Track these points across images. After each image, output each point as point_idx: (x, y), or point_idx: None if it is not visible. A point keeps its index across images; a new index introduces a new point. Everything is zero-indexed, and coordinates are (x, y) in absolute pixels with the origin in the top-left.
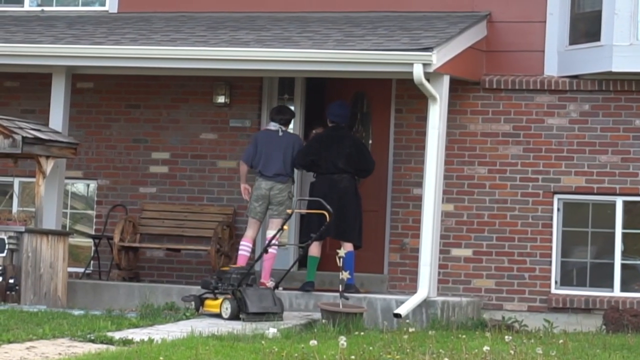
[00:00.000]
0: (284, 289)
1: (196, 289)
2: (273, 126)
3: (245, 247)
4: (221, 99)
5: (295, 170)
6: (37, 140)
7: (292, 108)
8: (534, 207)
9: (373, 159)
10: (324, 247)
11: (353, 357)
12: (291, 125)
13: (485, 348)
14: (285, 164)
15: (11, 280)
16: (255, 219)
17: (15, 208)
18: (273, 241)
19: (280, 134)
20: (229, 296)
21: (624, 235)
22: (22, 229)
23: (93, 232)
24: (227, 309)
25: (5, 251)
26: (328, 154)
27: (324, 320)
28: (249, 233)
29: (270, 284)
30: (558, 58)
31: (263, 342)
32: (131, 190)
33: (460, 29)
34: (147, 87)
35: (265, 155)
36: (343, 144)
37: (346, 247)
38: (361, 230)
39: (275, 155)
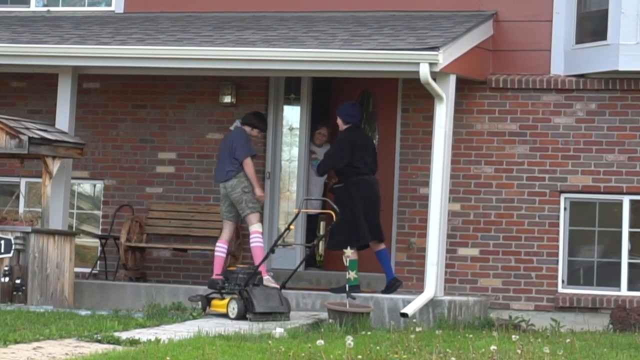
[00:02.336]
0: (290, 288)
1: (203, 289)
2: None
3: (218, 249)
4: (227, 99)
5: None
6: (44, 141)
7: (298, 108)
8: (541, 206)
9: None
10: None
11: (360, 356)
12: (297, 125)
13: (493, 347)
14: (231, 161)
15: (18, 281)
16: (225, 220)
17: (21, 208)
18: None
19: (232, 128)
20: (235, 296)
21: (631, 234)
22: (29, 229)
23: (99, 232)
24: (234, 308)
25: (12, 251)
26: (364, 155)
27: (330, 320)
28: (223, 234)
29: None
30: (564, 57)
31: (270, 341)
32: (138, 190)
33: (467, 28)
34: (153, 87)
35: (218, 159)
36: (371, 145)
37: (381, 247)
38: None
39: (222, 156)
